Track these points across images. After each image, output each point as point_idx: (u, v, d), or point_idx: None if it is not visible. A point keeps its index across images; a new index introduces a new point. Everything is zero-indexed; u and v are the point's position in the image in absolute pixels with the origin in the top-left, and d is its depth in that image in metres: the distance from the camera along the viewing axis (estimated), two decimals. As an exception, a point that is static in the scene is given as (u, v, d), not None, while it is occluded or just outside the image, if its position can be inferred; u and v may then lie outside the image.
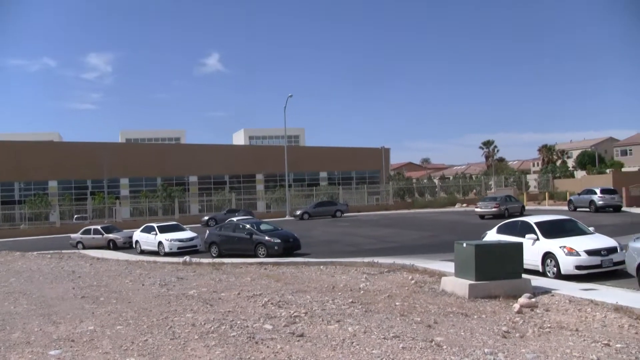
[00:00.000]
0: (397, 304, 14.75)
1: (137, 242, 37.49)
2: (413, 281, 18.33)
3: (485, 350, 10.08)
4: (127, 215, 71.97)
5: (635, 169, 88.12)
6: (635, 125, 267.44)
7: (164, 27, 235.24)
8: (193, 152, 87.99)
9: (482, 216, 47.98)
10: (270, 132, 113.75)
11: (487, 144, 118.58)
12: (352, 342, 10.70)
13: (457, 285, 16.04)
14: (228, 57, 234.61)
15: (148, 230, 36.86)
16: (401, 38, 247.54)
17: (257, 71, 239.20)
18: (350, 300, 15.29)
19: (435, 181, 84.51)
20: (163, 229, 36.09)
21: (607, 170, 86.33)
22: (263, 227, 31.88)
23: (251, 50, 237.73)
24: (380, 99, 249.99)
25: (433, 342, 10.58)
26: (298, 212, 60.21)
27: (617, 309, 13.28)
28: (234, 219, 39.41)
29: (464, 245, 16.28)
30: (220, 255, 30.93)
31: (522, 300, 14.26)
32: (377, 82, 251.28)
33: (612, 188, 50.82)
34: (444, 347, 10.30)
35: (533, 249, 19.26)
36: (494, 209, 47.78)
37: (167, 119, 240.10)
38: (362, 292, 16.85)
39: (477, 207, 50.01)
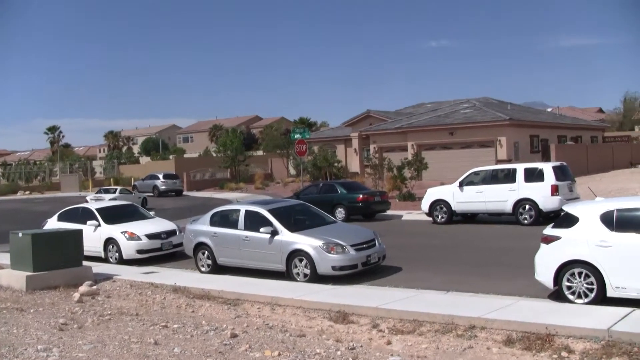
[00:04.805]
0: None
1: None
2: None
3: (39, 347, 9.39)
4: None
5: (196, 155, 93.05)
6: (195, 114, 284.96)
7: None
8: None
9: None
10: None
11: (53, 129, 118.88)
12: None
13: (13, 278, 15.08)
14: None
15: None
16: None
17: None
18: None
19: (-4, 168, 79.12)
20: None
21: (170, 157, 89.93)
22: None
23: None
24: None
25: (-21, 345, 9.60)
26: None
27: (176, 289, 13.77)
28: None
29: (20, 235, 15.42)
30: None
31: (83, 288, 13.91)
32: None
33: (174, 173, 53.43)
34: (-6, 347, 9.41)
35: (95, 235, 19.05)
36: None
37: None
38: None
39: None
